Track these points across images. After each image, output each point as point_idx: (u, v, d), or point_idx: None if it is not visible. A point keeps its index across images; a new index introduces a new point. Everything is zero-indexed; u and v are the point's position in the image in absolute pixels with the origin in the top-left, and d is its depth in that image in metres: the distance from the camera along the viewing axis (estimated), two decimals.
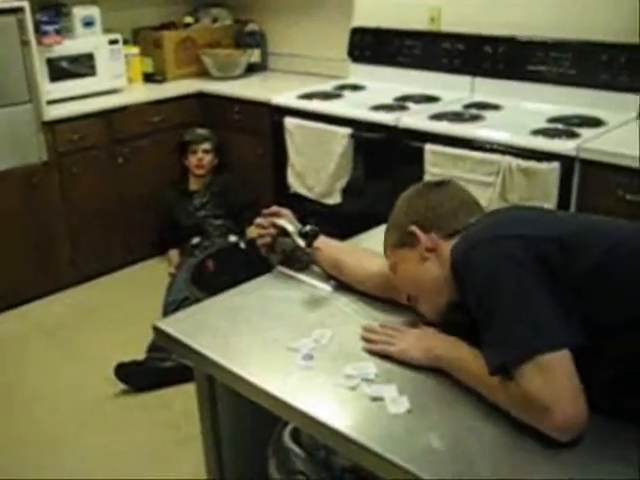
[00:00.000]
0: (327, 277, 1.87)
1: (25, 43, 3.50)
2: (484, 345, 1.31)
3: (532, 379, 1.20)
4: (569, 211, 2.73)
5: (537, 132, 2.95)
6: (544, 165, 2.77)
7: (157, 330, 1.68)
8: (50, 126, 3.69)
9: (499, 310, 1.28)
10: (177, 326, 1.68)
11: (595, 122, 3.04)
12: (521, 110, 3.33)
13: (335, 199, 3.57)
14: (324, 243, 1.88)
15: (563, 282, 1.28)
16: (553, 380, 1.19)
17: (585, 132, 2.91)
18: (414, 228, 1.53)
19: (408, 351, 1.47)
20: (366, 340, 1.56)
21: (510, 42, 3.44)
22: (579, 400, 1.19)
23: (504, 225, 1.42)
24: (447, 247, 1.48)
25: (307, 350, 1.54)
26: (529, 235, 1.33)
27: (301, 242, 1.85)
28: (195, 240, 4.00)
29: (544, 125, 3.06)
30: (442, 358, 1.42)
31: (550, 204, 2.77)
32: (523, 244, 1.31)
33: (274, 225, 1.91)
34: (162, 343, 1.72)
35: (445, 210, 1.53)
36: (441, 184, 1.60)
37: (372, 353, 1.51)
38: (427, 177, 3.10)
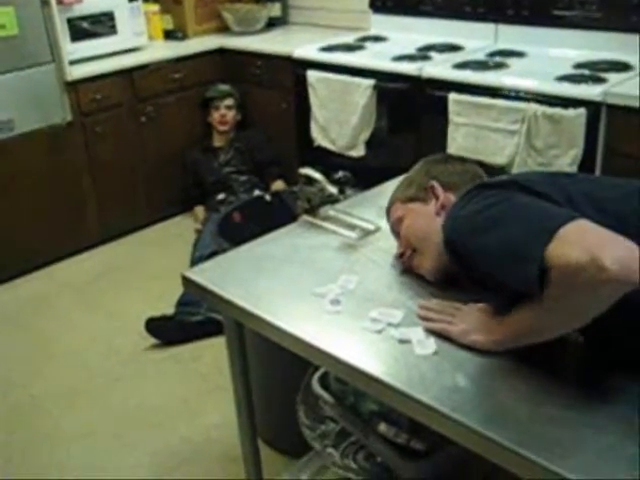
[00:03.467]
0: (352, 226, 1.88)
1: (45, 3, 3.49)
2: (511, 277, 1.22)
3: (563, 252, 1.11)
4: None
5: (563, 78, 2.90)
6: (570, 111, 2.73)
7: (186, 279, 1.71)
8: (73, 86, 3.70)
9: (505, 232, 1.23)
10: (205, 275, 1.70)
11: (623, 66, 2.99)
12: (546, 57, 3.27)
13: (359, 151, 3.55)
14: None
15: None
16: (581, 239, 1.11)
17: (612, 77, 2.86)
18: (435, 183, 1.60)
19: (470, 333, 1.36)
20: (423, 318, 1.45)
21: None
22: (620, 240, 1.10)
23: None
24: None
25: (334, 295, 1.56)
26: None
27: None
28: (220, 196, 4.02)
29: (570, 71, 3.00)
30: (506, 337, 1.31)
31: (576, 151, 2.74)
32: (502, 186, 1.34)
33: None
34: (191, 292, 1.74)
35: (466, 178, 1.61)
36: (464, 159, 1.72)
37: (431, 332, 1.41)
38: (451, 127, 3.08)
